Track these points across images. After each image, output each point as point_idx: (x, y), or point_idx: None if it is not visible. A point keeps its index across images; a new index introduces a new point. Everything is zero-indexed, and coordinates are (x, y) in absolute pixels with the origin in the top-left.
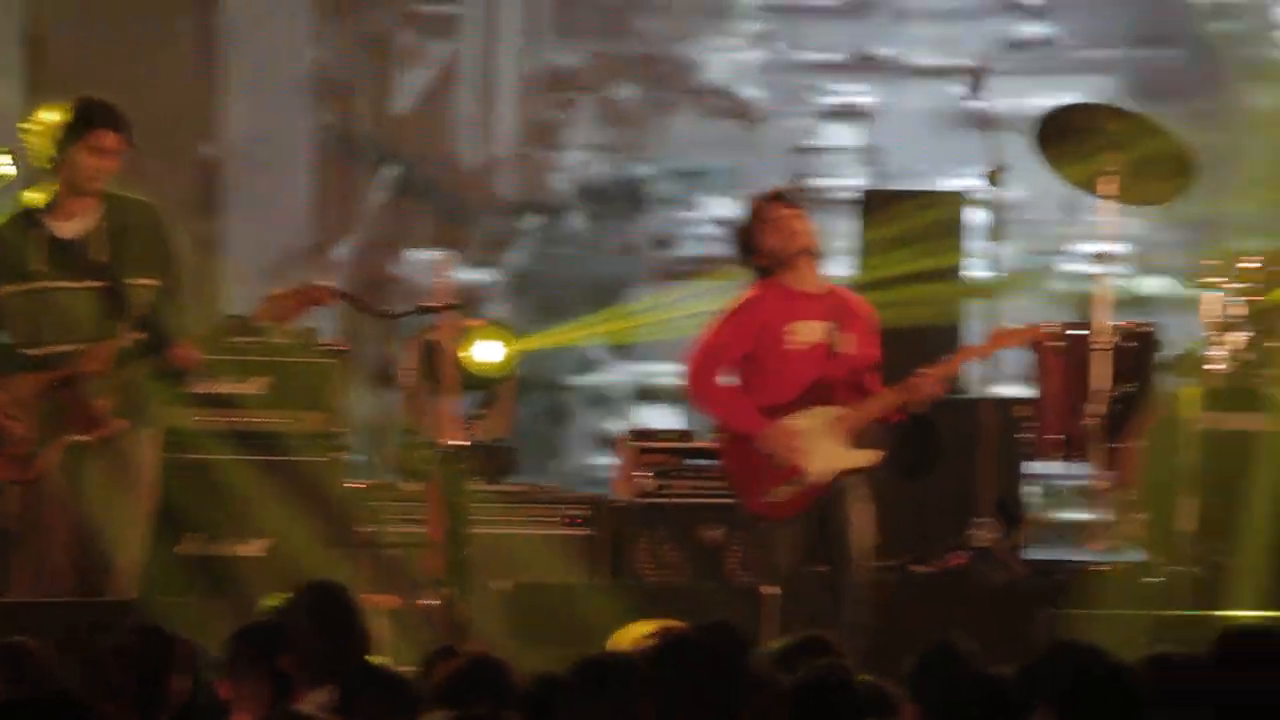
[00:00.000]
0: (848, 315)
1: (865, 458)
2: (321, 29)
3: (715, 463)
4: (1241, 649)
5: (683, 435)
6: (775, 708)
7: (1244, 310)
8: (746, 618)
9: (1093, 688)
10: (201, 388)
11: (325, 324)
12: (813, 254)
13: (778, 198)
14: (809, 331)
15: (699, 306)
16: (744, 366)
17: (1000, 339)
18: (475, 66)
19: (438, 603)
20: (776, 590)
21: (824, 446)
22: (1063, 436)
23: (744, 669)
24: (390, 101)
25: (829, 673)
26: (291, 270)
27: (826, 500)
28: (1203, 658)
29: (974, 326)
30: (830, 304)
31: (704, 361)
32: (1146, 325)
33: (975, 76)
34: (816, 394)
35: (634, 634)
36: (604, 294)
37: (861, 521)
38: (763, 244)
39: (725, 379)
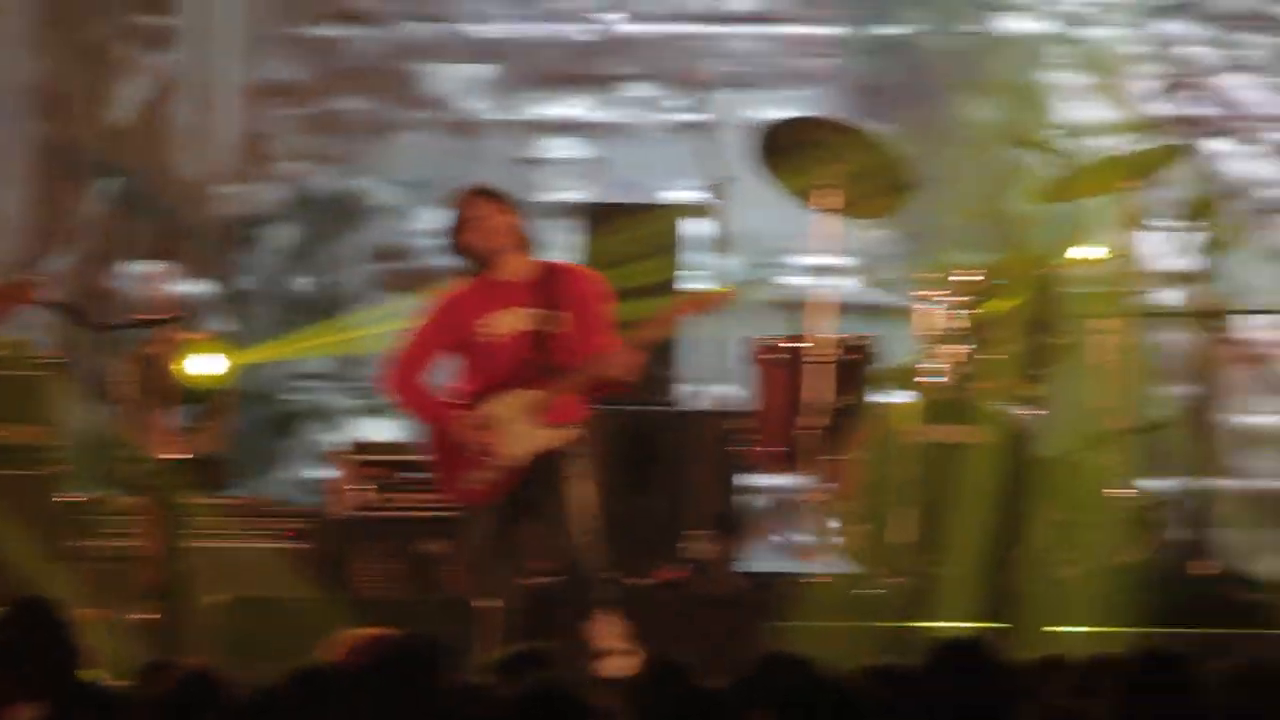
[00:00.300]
0: (559, 295)
1: (559, 436)
2: (39, 39)
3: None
4: (952, 660)
5: (403, 448)
6: (492, 718)
7: (960, 323)
8: (464, 629)
9: (807, 700)
10: None
11: (42, 336)
12: (518, 247)
13: (479, 194)
14: (510, 320)
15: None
16: (455, 359)
17: (683, 305)
18: (194, 78)
19: (154, 616)
20: (496, 603)
21: (516, 429)
22: (781, 449)
23: (455, 679)
24: (108, 113)
25: (550, 684)
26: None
27: (530, 483)
28: (916, 669)
29: (695, 338)
30: (539, 288)
31: (399, 361)
32: (864, 338)
33: (698, 89)
34: (520, 379)
35: (343, 642)
36: (324, 306)
37: (578, 498)
38: (464, 242)
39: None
